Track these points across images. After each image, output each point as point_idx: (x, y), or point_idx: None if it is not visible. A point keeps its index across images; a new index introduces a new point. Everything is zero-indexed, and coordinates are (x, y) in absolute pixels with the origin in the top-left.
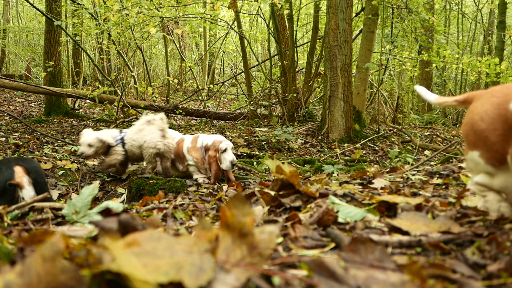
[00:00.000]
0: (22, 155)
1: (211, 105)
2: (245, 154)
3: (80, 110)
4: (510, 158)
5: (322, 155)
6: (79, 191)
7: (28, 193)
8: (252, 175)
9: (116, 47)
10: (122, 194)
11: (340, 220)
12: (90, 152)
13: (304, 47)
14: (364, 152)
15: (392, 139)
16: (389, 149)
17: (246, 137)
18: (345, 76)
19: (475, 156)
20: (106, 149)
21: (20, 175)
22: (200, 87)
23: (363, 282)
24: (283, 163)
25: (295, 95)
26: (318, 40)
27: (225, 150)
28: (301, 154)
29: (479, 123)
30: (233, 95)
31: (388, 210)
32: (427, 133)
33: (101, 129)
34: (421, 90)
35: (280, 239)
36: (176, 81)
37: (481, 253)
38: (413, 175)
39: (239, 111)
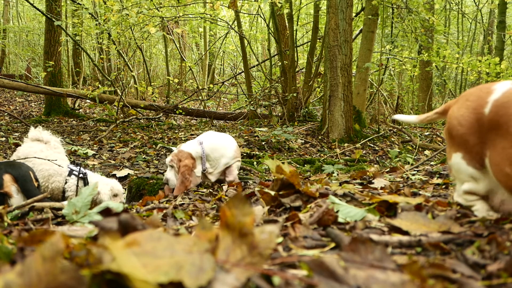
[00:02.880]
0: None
1: (211, 105)
2: (245, 154)
3: (80, 110)
4: (489, 161)
5: (322, 155)
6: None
7: (16, 201)
8: (252, 175)
9: (116, 47)
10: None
11: (340, 220)
12: None
13: (304, 47)
14: (364, 152)
15: (392, 139)
16: (389, 149)
17: (246, 137)
18: (345, 76)
19: (459, 158)
20: None
21: (8, 184)
22: (200, 87)
23: (363, 282)
24: (283, 163)
25: (295, 95)
26: (318, 40)
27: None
28: (301, 154)
29: (458, 127)
30: (233, 95)
31: (388, 210)
32: (427, 133)
33: (101, 129)
34: (399, 117)
35: (280, 239)
36: (176, 81)
37: (481, 253)
38: (413, 175)
39: (239, 111)
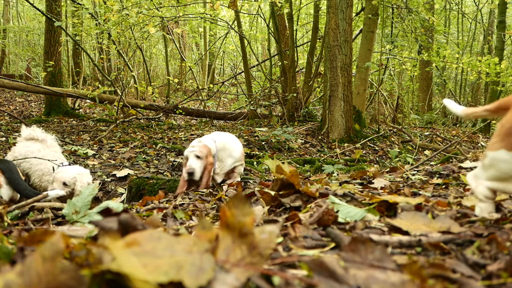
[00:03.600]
0: None
1: (211, 105)
2: (245, 154)
3: (80, 110)
4: None
5: (322, 155)
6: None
7: (6, 191)
8: (252, 175)
9: (116, 47)
10: (122, 194)
11: (340, 220)
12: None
13: (304, 47)
14: (364, 152)
15: (392, 139)
16: (389, 149)
17: (246, 137)
18: (345, 76)
19: (508, 157)
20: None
21: None
22: (200, 87)
23: (363, 282)
24: (283, 163)
25: (295, 95)
26: (318, 40)
27: (187, 160)
28: (301, 154)
29: None
30: (233, 95)
31: (388, 210)
32: (427, 133)
33: (101, 129)
34: (448, 102)
35: (280, 239)
36: (176, 81)
37: (481, 253)
38: (413, 175)
39: (239, 111)
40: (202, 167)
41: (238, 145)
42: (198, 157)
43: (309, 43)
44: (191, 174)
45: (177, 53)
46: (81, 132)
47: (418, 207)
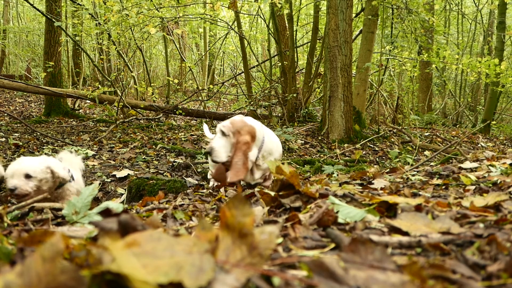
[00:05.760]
0: (22, 156)
1: (211, 105)
2: None
3: (80, 111)
4: None
5: (322, 155)
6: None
7: None
8: None
9: (116, 48)
10: (122, 194)
11: (340, 220)
12: (28, 188)
13: (304, 47)
14: (364, 152)
15: (392, 139)
16: (389, 150)
17: None
18: (345, 76)
19: None
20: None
21: None
22: (200, 88)
23: (363, 282)
24: (283, 163)
25: (295, 95)
26: (318, 41)
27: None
28: (301, 154)
29: None
30: (233, 95)
31: (388, 210)
32: (427, 134)
33: (101, 129)
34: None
35: (280, 240)
36: (176, 81)
37: (481, 254)
38: (413, 175)
39: (239, 111)
40: (226, 145)
41: (279, 143)
42: (223, 133)
43: (309, 44)
44: (208, 153)
45: (177, 53)
46: (81, 133)
47: (418, 208)
